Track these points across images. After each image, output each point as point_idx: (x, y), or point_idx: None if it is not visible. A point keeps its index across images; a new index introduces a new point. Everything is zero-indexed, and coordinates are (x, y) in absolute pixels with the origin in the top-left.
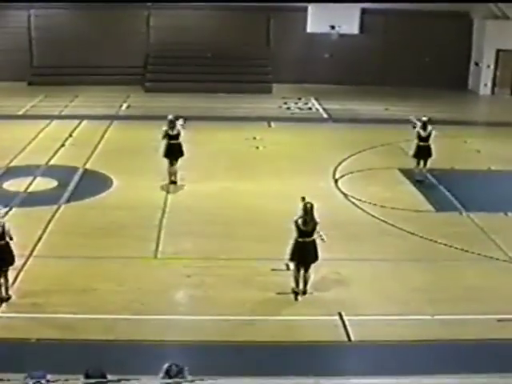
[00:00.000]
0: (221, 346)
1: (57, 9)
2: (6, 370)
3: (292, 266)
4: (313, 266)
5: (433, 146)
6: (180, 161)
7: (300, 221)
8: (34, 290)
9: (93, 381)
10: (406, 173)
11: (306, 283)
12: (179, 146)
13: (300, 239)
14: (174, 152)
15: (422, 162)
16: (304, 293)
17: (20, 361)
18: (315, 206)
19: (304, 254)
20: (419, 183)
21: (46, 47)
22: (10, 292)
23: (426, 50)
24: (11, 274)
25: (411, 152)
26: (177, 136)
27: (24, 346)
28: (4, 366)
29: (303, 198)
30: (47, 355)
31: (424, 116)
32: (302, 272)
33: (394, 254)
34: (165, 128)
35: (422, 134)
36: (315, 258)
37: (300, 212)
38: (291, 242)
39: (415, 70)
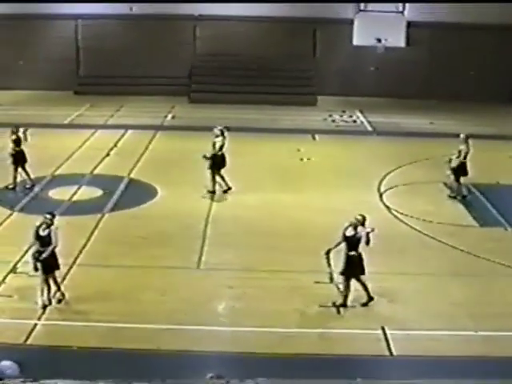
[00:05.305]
0: (262, 357)
1: (104, 19)
2: (48, 377)
3: (341, 280)
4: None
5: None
6: (224, 171)
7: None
8: (77, 297)
9: None
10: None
11: (367, 290)
12: (223, 156)
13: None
14: (216, 162)
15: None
16: (371, 299)
17: (60, 368)
18: (360, 219)
19: (362, 267)
20: (460, 199)
21: (92, 57)
22: (57, 296)
23: (472, 63)
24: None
25: (449, 172)
26: (221, 147)
27: (65, 353)
28: (46, 372)
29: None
30: (87, 363)
31: (462, 133)
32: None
33: (436, 268)
34: (221, 137)
35: (467, 149)
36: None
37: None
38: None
39: (461, 84)
